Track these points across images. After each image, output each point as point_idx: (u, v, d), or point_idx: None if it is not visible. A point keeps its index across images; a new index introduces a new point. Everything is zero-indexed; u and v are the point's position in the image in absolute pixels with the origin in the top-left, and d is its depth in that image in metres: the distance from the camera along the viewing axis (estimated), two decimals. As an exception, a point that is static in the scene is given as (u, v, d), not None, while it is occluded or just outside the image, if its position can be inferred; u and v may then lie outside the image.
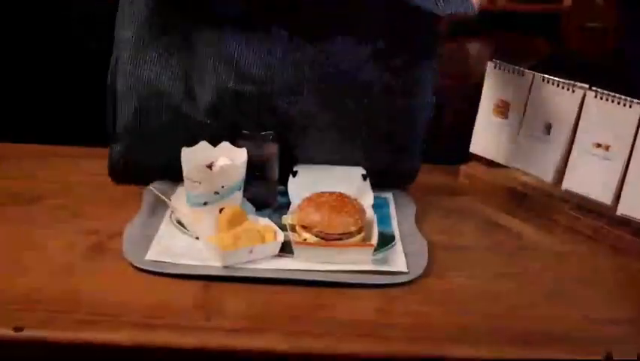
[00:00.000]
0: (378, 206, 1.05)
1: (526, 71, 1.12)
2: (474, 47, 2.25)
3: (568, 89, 1.07)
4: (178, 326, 0.78)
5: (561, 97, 1.08)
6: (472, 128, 1.22)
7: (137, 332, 0.76)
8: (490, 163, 1.19)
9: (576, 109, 1.06)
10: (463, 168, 1.22)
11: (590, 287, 0.92)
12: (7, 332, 0.73)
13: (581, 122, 1.06)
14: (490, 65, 1.17)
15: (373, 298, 0.86)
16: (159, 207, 1.03)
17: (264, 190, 1.04)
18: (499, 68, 1.16)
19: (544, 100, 1.10)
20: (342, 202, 0.94)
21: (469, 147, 1.22)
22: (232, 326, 0.79)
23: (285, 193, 1.06)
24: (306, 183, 1.07)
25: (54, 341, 0.73)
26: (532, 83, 1.12)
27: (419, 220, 1.05)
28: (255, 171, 1.02)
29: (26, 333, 0.73)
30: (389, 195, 1.11)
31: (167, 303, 0.82)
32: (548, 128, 1.10)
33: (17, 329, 0.73)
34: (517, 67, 1.13)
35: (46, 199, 1.05)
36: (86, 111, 1.23)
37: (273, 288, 0.86)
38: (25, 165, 1.17)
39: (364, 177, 1.11)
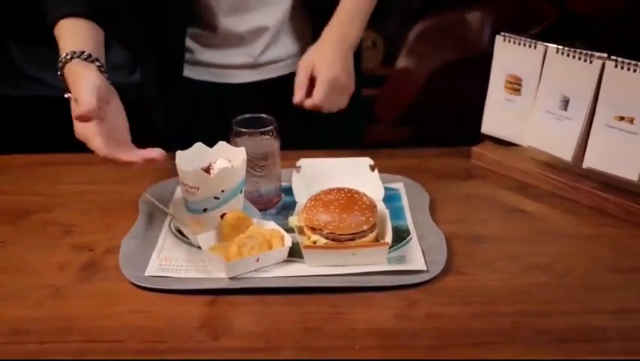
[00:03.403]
0: (390, 199, 0.98)
1: (539, 42, 1.04)
2: (474, 17, 2.17)
3: (585, 60, 0.99)
4: (184, 349, 0.72)
5: (578, 69, 1.00)
6: (481, 106, 1.14)
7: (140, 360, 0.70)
8: (504, 143, 1.12)
9: (595, 81, 0.98)
10: (475, 149, 1.15)
11: (624, 274, 0.85)
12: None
13: (601, 95, 0.98)
14: (498, 39, 1.09)
15: (392, 302, 0.80)
16: (157, 215, 0.96)
17: (267, 189, 0.97)
18: (509, 41, 1.08)
19: (560, 73, 1.02)
20: (351, 199, 0.87)
21: (479, 126, 1.15)
22: (243, 345, 0.72)
23: (289, 190, 0.99)
24: (311, 178, 1.00)
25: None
26: (545, 55, 1.04)
27: (433, 210, 0.99)
28: (255, 169, 0.95)
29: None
30: (400, 186, 1.04)
31: (172, 324, 0.75)
32: (566, 103, 1.02)
33: (6, 370, 0.66)
34: (528, 39, 1.06)
35: (35, 214, 0.98)
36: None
37: (284, 298, 0.80)
38: (10, 179, 1.09)
39: (372, 168, 1.04)
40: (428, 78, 2.21)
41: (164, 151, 0.88)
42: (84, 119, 0.84)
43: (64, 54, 0.90)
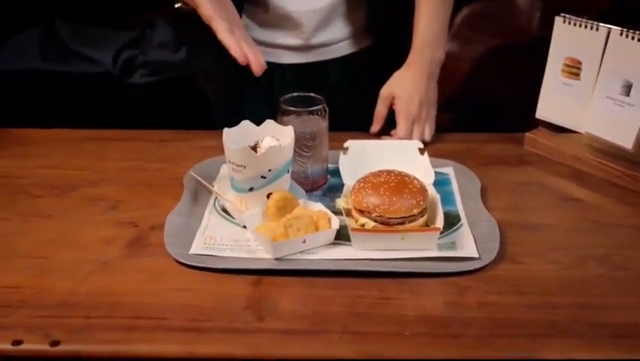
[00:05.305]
0: (440, 183, 0.95)
1: (601, 24, 1.00)
2: (523, 1, 2.11)
3: (651, 44, 0.95)
4: (229, 329, 0.71)
5: (643, 53, 0.96)
6: (527, 94, 1.10)
7: (184, 339, 0.68)
8: (560, 130, 1.08)
9: (661, 66, 0.94)
10: (529, 135, 1.11)
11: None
12: (42, 347, 0.66)
13: (666, 80, 0.94)
14: (558, 20, 1.05)
15: (442, 289, 0.77)
16: (202, 193, 0.95)
17: (313, 170, 0.95)
18: (569, 23, 1.04)
19: (623, 57, 0.98)
20: (402, 182, 0.85)
21: (524, 114, 1.11)
22: (288, 328, 0.71)
23: (336, 172, 0.97)
24: (359, 160, 0.98)
25: (92, 356, 0.66)
26: (607, 37, 1.00)
27: (484, 196, 0.95)
28: (303, 149, 0.93)
29: (62, 347, 0.66)
30: (450, 170, 1.01)
31: (216, 303, 0.74)
32: (628, 88, 0.98)
33: (53, 344, 0.66)
34: (589, 21, 1.01)
35: (81, 189, 0.98)
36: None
37: (331, 281, 0.78)
38: (58, 152, 1.09)
39: (421, 151, 1.01)
40: (473, 64, 2.15)
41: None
42: None
43: None
